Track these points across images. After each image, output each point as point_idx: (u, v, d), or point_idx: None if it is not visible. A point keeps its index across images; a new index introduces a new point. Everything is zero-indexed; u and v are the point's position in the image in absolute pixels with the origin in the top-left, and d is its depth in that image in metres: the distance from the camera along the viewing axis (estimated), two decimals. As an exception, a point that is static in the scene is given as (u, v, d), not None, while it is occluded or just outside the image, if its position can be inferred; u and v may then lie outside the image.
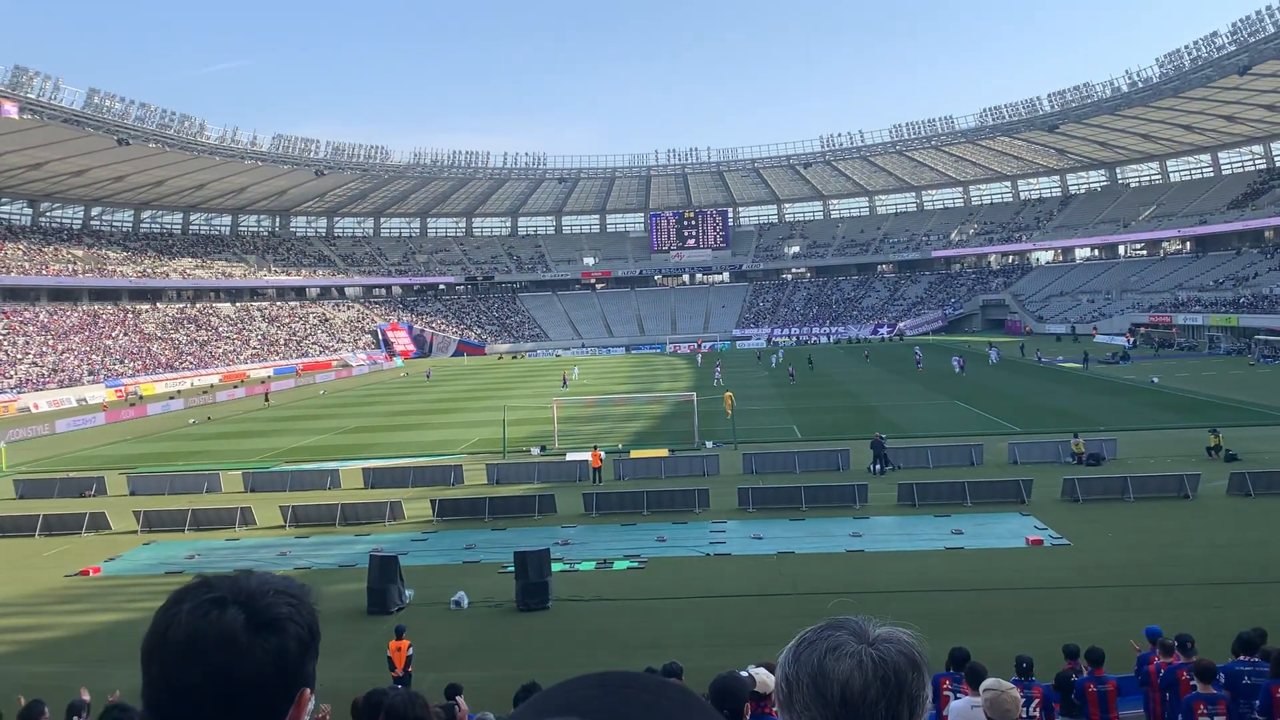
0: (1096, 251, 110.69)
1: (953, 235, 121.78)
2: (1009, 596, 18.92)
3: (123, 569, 24.60)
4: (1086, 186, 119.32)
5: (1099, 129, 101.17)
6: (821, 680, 1.36)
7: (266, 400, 66.48)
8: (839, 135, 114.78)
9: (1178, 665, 10.42)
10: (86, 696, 11.53)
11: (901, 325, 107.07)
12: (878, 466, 31.77)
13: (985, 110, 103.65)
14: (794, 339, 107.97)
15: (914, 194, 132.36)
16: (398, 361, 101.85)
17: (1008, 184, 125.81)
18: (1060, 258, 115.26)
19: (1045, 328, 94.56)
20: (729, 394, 48.71)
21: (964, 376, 60.00)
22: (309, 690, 1.42)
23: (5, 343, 75.58)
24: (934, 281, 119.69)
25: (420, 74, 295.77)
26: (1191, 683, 9.56)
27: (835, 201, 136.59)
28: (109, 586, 23.09)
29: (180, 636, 1.32)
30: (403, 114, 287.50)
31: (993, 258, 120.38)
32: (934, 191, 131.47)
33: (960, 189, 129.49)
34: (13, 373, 71.20)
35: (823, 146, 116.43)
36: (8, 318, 79.74)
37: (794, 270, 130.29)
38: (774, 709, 7.40)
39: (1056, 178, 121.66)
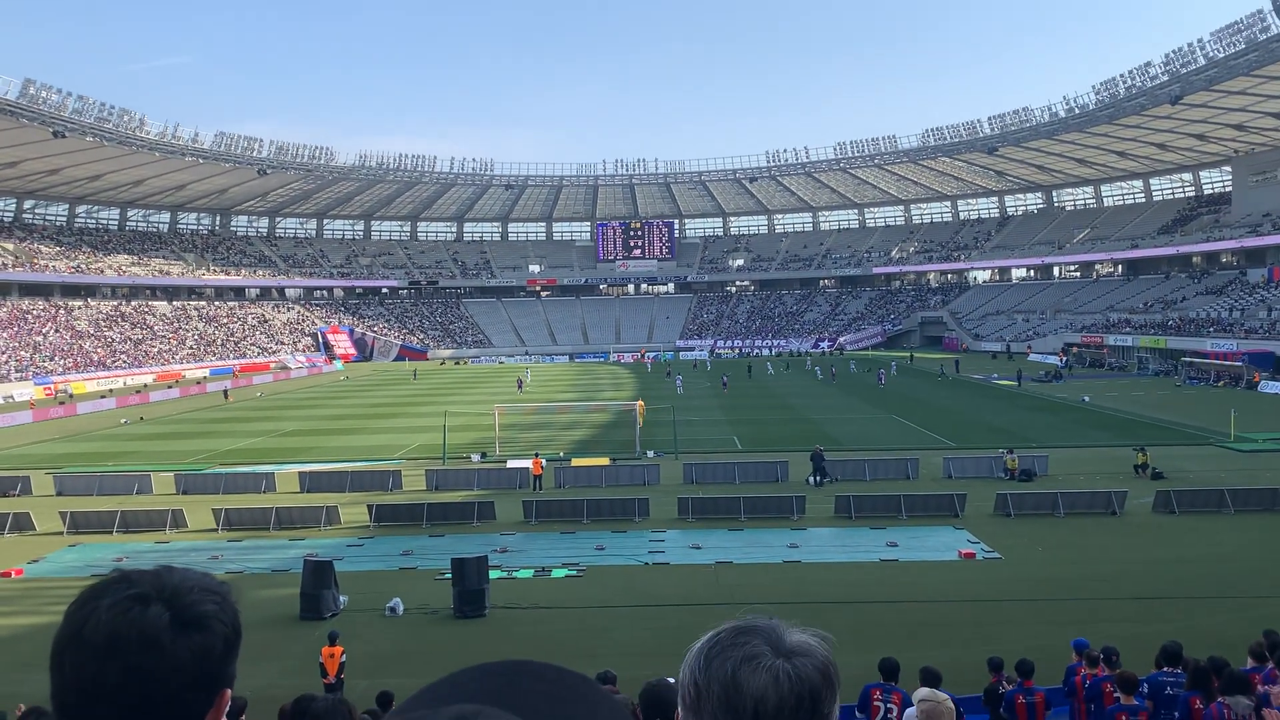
0: (1032, 272, 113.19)
1: (894, 253, 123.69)
2: (942, 609, 19.22)
3: (46, 571, 23.92)
4: (1024, 208, 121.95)
5: (1036, 152, 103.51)
6: (734, 692, 1.29)
7: (226, 397, 66.27)
8: (785, 151, 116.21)
9: (1102, 677, 10.67)
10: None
11: (842, 340, 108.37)
12: (816, 478, 32.09)
13: (927, 131, 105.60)
14: (737, 351, 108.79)
15: (857, 211, 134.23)
16: (337, 365, 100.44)
17: (948, 204, 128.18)
18: (997, 277, 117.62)
19: (981, 345, 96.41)
20: (640, 402, 48.07)
21: (903, 392, 60.94)
22: (229, 690, 1.37)
23: (-73, 337, 73.19)
24: (874, 297, 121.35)
25: (368, 76, 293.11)
26: (1115, 694, 9.80)
27: (780, 216, 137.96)
28: (31, 589, 22.43)
29: (99, 635, 1.25)
30: (349, 116, 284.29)
31: (932, 276, 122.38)
32: (876, 209, 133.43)
33: (902, 207, 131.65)
34: (-65, 368, 68.97)
35: (768, 162, 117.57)
36: (-69, 311, 77.27)
37: (738, 283, 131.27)
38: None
39: (995, 199, 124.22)
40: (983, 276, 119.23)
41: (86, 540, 26.83)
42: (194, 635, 1.30)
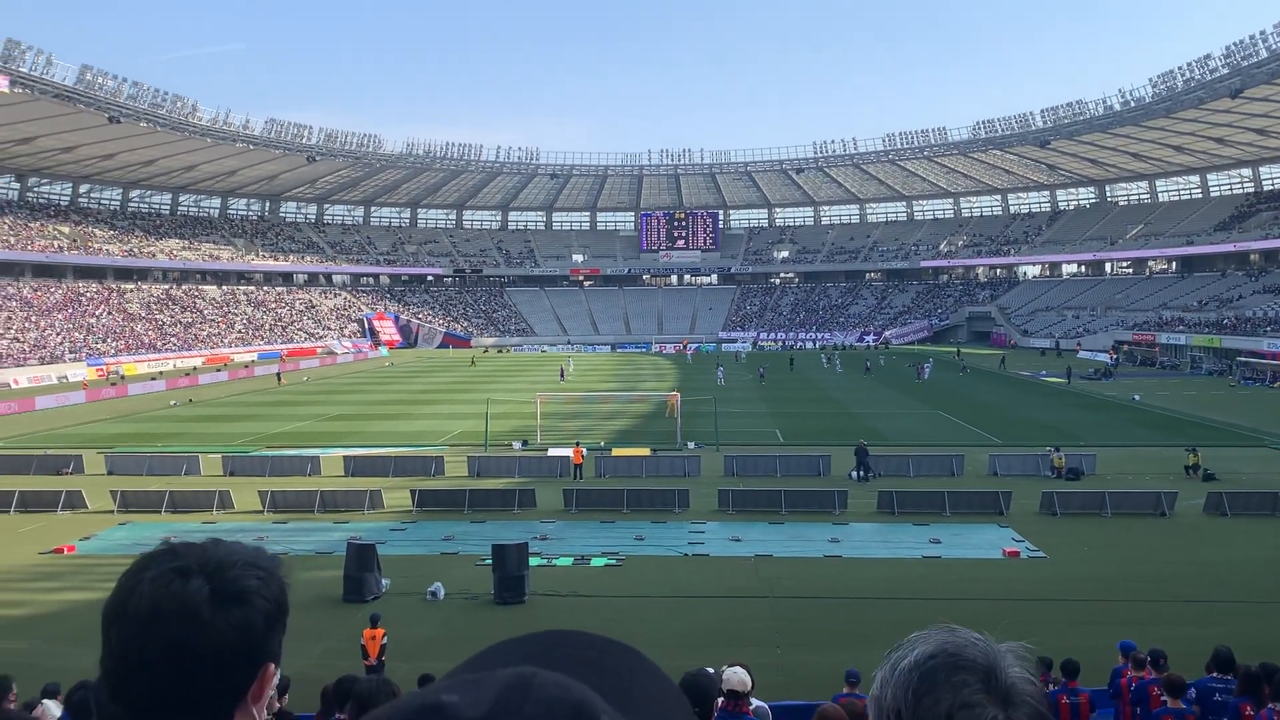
0: (1083, 268, 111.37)
1: (942, 246, 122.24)
2: (984, 607, 18.99)
3: (97, 548, 24.42)
4: (1075, 203, 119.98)
5: (1090, 146, 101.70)
6: None
7: (279, 380, 67.91)
8: (832, 142, 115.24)
9: (1149, 680, 10.48)
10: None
11: (888, 334, 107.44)
12: (860, 473, 31.84)
13: (978, 123, 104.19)
14: (780, 344, 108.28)
15: (904, 203, 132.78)
16: (383, 351, 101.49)
17: (998, 197, 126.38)
18: (1047, 272, 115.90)
19: (1030, 342, 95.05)
20: (676, 394, 46.77)
21: (949, 388, 60.35)
22: (273, 665, 1.37)
23: (-13, 317, 75.00)
24: (921, 291, 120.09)
25: (416, 65, 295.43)
26: (1162, 698, 9.62)
27: (826, 208, 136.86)
28: (83, 565, 22.91)
29: (141, 606, 1.27)
30: (397, 104, 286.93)
31: (980, 270, 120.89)
32: (924, 202, 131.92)
33: (951, 200, 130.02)
34: (-7, 347, 70.66)
35: (815, 152, 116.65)
36: (-10, 292, 79.15)
37: (782, 275, 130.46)
38: (750, 707, 7.40)
39: (1046, 193, 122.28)
40: (1032, 271, 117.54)
41: (136, 519, 27.36)
42: (233, 610, 1.30)
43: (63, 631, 17.37)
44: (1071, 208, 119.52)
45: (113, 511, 27.89)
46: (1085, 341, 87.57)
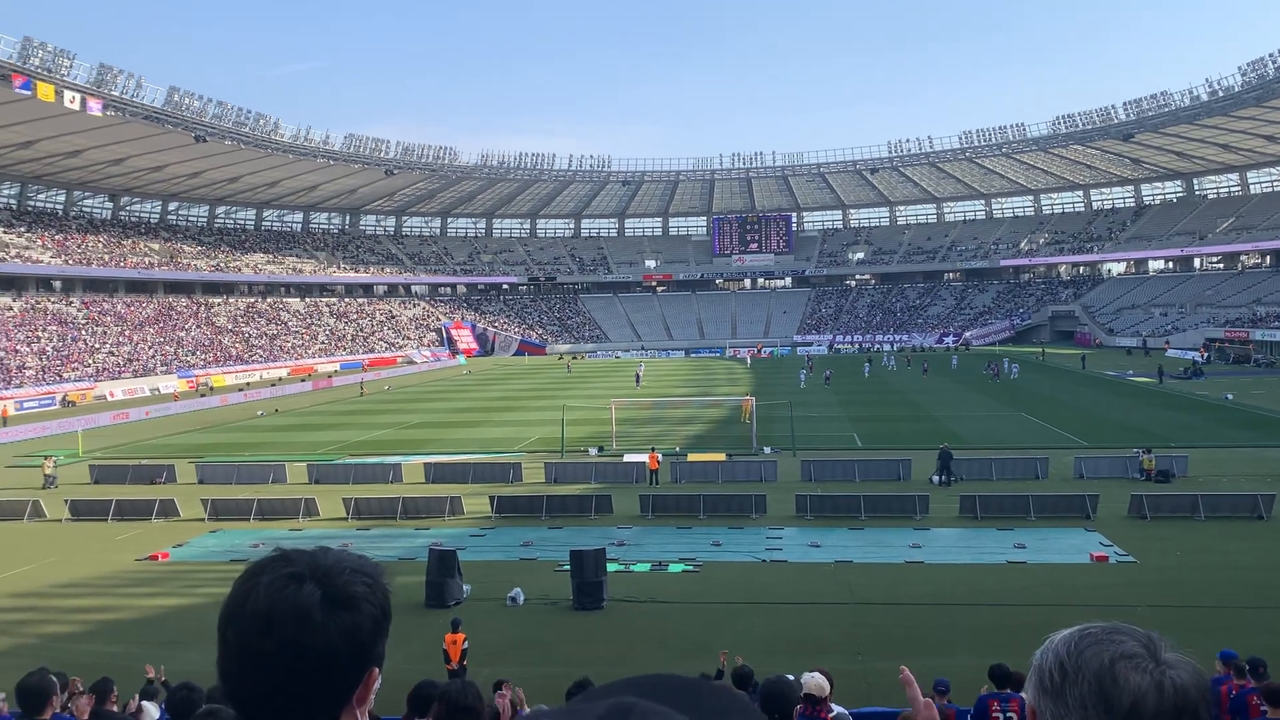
0: (1170, 264, 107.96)
1: (1022, 244, 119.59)
2: (1071, 613, 18.38)
3: (190, 555, 25.21)
4: (1162, 197, 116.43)
5: (1176, 139, 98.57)
6: (1110, 685, 1.25)
7: (362, 391, 69.44)
8: (907, 141, 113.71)
9: (1248, 689, 10.13)
10: (152, 674, 11.89)
11: (968, 335, 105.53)
12: (943, 477, 31.31)
13: (1058, 118, 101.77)
14: (856, 346, 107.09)
15: (983, 201, 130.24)
16: (460, 359, 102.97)
17: (1080, 193, 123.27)
18: (1133, 269, 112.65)
19: (1116, 340, 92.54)
20: (748, 399, 45.68)
21: (1032, 389, 59.08)
22: (377, 669, 1.45)
23: (85, 332, 77.96)
24: (1002, 291, 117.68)
25: (488, 76, 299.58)
26: (1261, 707, 9.29)
27: (902, 208, 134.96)
28: (176, 572, 23.67)
29: (258, 608, 1.36)
30: (470, 115, 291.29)
31: (1063, 268, 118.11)
32: (1003, 199, 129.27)
33: (1031, 197, 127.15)
34: (91, 361, 73.39)
35: (890, 152, 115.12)
36: (88, 307, 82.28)
37: (858, 277, 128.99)
38: (830, 714, 7.34)
39: (1130, 188, 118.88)
40: (1117, 269, 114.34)
41: (226, 527, 28.18)
42: (343, 614, 1.39)
43: (158, 635, 17.91)
44: (1157, 202, 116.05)
45: (204, 519, 28.75)
46: (1174, 339, 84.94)
